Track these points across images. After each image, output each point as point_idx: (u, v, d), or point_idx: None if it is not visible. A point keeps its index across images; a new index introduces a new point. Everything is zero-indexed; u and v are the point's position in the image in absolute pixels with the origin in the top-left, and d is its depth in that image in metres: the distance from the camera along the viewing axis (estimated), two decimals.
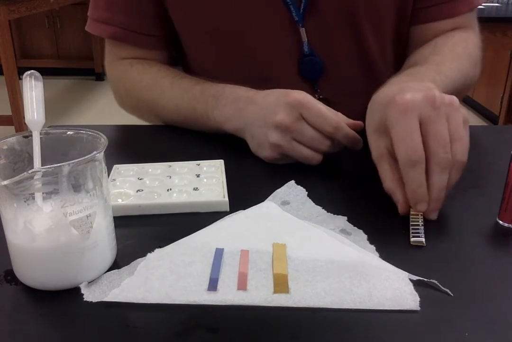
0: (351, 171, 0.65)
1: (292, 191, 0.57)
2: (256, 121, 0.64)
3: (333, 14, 0.77)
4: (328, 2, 0.76)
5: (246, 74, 0.79)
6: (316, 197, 0.56)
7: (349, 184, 0.61)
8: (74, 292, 0.41)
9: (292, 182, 0.59)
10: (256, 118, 0.64)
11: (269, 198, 0.55)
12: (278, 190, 0.57)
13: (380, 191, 0.59)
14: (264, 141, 0.63)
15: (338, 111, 0.84)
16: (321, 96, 0.82)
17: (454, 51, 0.76)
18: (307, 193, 0.57)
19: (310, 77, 0.81)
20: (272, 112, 0.61)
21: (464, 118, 0.53)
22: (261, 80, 0.75)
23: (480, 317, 0.39)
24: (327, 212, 0.53)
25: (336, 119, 0.61)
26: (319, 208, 0.54)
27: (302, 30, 0.77)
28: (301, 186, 0.58)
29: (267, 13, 0.76)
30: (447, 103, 0.51)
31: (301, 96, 0.61)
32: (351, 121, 0.63)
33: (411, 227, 0.50)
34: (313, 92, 0.81)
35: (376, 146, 0.55)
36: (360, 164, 0.67)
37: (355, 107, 0.84)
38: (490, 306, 0.40)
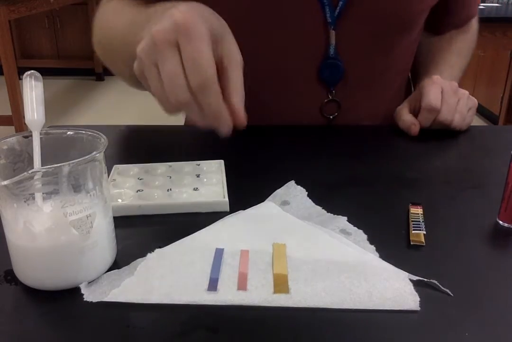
0: (351, 171, 0.65)
1: (292, 191, 0.57)
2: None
3: (367, 20, 0.77)
4: (365, 8, 0.75)
5: (264, 67, 0.79)
6: (316, 197, 0.56)
7: (349, 184, 0.61)
8: (74, 292, 0.41)
9: (292, 182, 0.59)
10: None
11: (269, 198, 0.55)
12: (278, 190, 0.57)
13: (380, 191, 0.59)
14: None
15: (347, 113, 0.84)
16: (333, 98, 0.82)
17: (461, 51, 0.93)
18: (307, 193, 0.57)
19: (328, 80, 0.81)
20: (155, 22, 0.48)
21: (472, 104, 0.78)
22: (278, 75, 0.76)
23: (480, 317, 0.39)
24: (327, 212, 0.53)
25: (210, 73, 0.45)
26: (319, 208, 0.54)
27: (332, 33, 0.76)
28: (301, 186, 0.58)
29: (300, 11, 0.75)
30: (462, 92, 0.77)
31: (192, 17, 0.45)
32: (238, 106, 0.48)
33: (411, 223, 0.50)
34: (327, 93, 0.82)
35: (407, 102, 0.81)
36: (361, 164, 0.67)
37: (363, 113, 0.85)
38: (490, 306, 0.40)
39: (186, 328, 0.37)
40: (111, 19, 0.72)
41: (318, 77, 0.80)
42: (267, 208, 0.53)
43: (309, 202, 0.55)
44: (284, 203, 0.55)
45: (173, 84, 0.45)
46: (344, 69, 0.79)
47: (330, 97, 0.82)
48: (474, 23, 0.95)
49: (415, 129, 0.77)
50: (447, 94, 0.75)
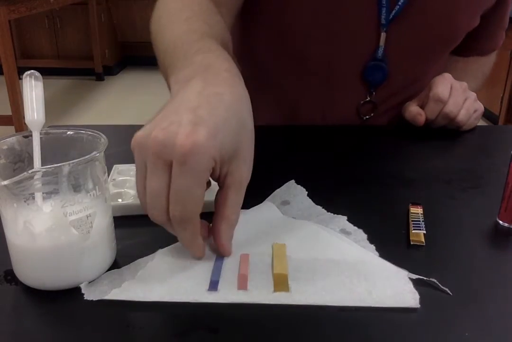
0: (351, 170, 0.65)
1: (292, 190, 0.57)
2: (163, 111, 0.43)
3: (418, 28, 0.77)
4: (419, 16, 0.76)
5: (310, 64, 0.80)
6: (316, 197, 0.56)
7: (349, 184, 0.61)
8: (74, 292, 0.40)
9: (292, 181, 0.59)
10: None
11: (269, 198, 0.55)
12: (278, 190, 0.57)
13: (380, 190, 0.59)
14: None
15: (381, 116, 0.86)
16: (371, 99, 0.83)
17: (475, 73, 0.97)
18: (307, 192, 0.57)
19: (371, 81, 0.81)
20: (164, 120, 0.41)
21: (478, 107, 0.79)
22: (323, 72, 0.77)
23: (480, 317, 0.39)
24: (327, 211, 0.53)
25: (192, 211, 0.40)
26: (319, 208, 0.54)
27: (383, 35, 0.77)
28: (301, 186, 0.58)
29: (357, 10, 0.75)
30: (470, 93, 0.79)
31: (198, 143, 0.38)
32: (225, 242, 0.44)
33: (411, 223, 0.50)
34: (366, 94, 0.83)
35: (416, 98, 0.80)
36: (361, 164, 0.67)
37: (394, 116, 0.86)
38: (490, 306, 0.40)
39: (186, 328, 0.37)
40: (164, 24, 0.63)
41: (361, 77, 0.81)
42: (267, 210, 0.53)
43: (309, 201, 0.55)
44: (284, 203, 0.55)
45: (153, 202, 0.41)
46: (388, 72, 0.80)
47: (369, 98, 0.83)
48: (493, 55, 0.99)
49: (420, 119, 0.77)
50: (456, 90, 0.76)
